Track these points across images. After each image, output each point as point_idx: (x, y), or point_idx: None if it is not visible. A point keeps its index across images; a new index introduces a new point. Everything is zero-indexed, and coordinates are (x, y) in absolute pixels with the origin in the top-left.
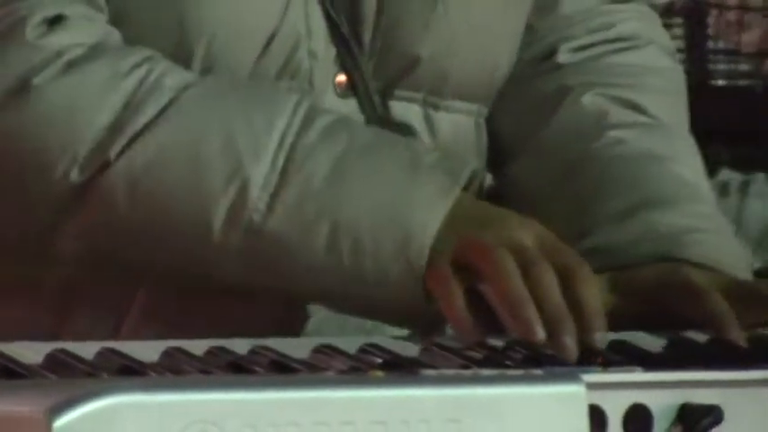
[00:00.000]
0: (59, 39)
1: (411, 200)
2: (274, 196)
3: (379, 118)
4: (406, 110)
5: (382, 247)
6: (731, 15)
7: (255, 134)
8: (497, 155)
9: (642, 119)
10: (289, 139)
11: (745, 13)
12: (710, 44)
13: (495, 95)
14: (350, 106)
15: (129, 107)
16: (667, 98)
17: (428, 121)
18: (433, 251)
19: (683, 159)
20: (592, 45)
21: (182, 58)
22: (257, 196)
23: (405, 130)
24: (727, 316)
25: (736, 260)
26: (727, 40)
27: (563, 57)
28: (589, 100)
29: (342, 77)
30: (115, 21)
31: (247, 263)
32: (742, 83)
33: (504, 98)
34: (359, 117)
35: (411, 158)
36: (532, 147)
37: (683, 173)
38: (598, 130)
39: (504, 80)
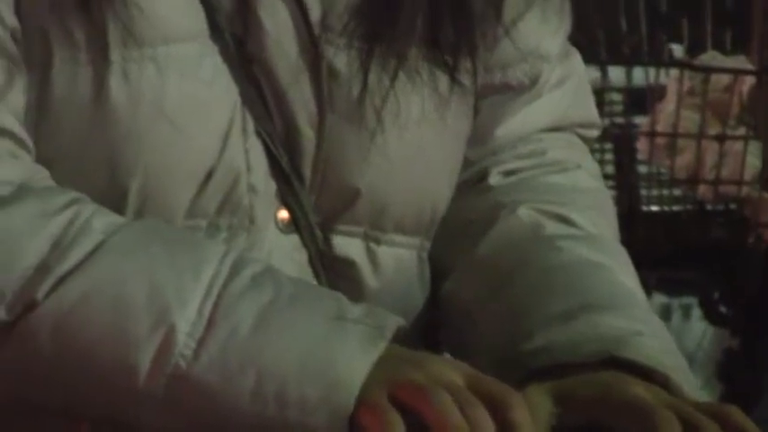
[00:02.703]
0: None
1: (336, 350)
2: (200, 343)
3: (322, 254)
4: (348, 244)
5: (307, 396)
6: (662, 140)
7: (182, 281)
8: (433, 282)
9: (576, 231)
10: (216, 288)
11: (678, 138)
12: (642, 169)
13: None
14: (292, 242)
15: (57, 249)
16: (597, 215)
17: (370, 255)
18: (363, 395)
19: (620, 268)
20: (522, 169)
21: (115, 195)
22: (183, 343)
23: (347, 265)
24: None
25: (679, 364)
26: (660, 164)
27: (494, 179)
28: (524, 212)
29: (283, 213)
30: (48, 158)
31: (172, 409)
32: (675, 208)
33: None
34: (301, 253)
35: (337, 310)
36: (467, 261)
37: (621, 279)
38: (534, 239)
39: (444, 212)
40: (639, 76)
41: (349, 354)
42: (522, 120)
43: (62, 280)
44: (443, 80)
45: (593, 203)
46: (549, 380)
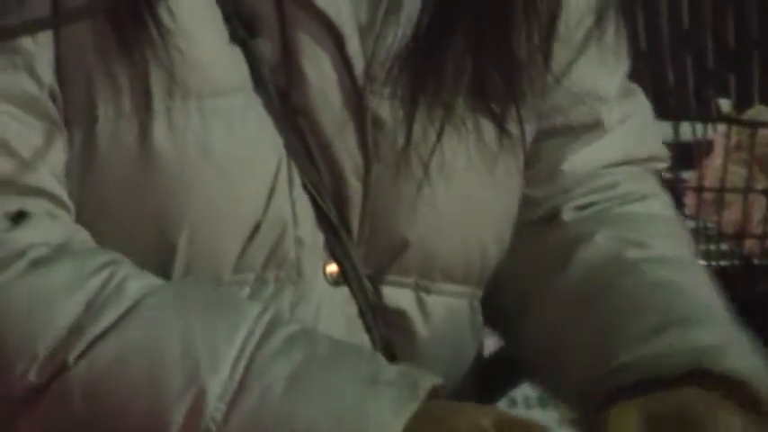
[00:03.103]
0: (24, 236)
1: (369, 413)
2: (231, 406)
3: (371, 305)
4: (397, 295)
5: None
6: (709, 195)
7: (215, 342)
8: (505, 319)
9: (656, 254)
10: (249, 349)
11: (725, 193)
12: (689, 224)
13: (488, 277)
14: (341, 294)
15: (91, 310)
16: (676, 242)
17: (420, 305)
18: None
19: (703, 288)
20: (596, 202)
21: (163, 250)
22: (214, 406)
23: (397, 315)
24: None
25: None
26: (707, 219)
27: (567, 216)
28: (602, 239)
29: (332, 266)
30: (94, 216)
31: None
32: (722, 263)
33: (508, 262)
34: (351, 305)
35: (371, 372)
36: (548, 294)
37: (705, 298)
38: (615, 263)
39: (496, 262)
40: (687, 131)
41: (381, 417)
42: (587, 157)
43: (95, 341)
44: (490, 130)
45: (671, 231)
46: (636, 397)
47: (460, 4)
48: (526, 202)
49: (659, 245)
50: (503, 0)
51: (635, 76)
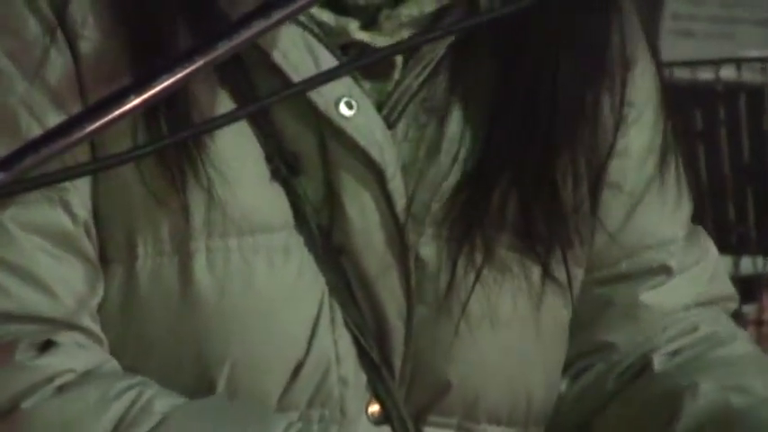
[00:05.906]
0: (50, 363)
1: None
2: None
3: None
4: None
5: None
6: None
7: None
8: None
9: (763, 397)
10: None
11: None
12: None
13: (539, 419)
14: None
15: (118, 431)
16: None
17: None
18: None
19: None
20: (682, 349)
21: (203, 388)
22: None
23: None
24: None
25: None
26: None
27: (659, 365)
28: (707, 389)
29: (374, 405)
30: (133, 351)
31: None
32: None
33: (609, 408)
34: None
35: None
36: None
37: None
38: (725, 417)
39: (545, 405)
40: (747, 264)
41: None
42: (661, 298)
43: None
44: (536, 275)
45: (765, 368)
46: None
47: (506, 150)
48: (607, 350)
49: (763, 387)
50: (549, 147)
51: (695, 209)
